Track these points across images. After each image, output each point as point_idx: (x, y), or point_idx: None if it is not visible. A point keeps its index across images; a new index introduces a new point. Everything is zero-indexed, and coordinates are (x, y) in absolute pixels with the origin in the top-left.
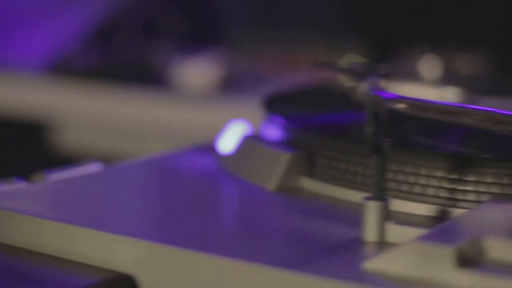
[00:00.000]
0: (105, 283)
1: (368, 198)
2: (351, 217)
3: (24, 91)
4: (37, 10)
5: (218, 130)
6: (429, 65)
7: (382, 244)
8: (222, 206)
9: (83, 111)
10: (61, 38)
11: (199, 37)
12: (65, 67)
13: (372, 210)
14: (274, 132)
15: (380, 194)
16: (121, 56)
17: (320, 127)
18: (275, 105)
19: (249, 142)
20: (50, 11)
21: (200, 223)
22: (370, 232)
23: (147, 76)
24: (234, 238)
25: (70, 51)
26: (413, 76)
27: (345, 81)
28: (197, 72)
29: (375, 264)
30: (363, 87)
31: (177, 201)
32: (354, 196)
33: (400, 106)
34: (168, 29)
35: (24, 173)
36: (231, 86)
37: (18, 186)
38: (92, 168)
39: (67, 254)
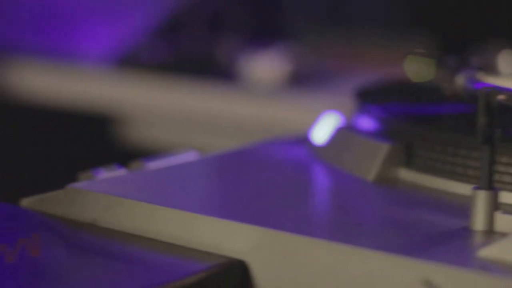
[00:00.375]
0: (218, 268)
1: (477, 188)
2: (455, 207)
3: (92, 84)
4: (106, 3)
5: (286, 124)
6: (507, 60)
7: (491, 234)
8: (325, 194)
9: (150, 105)
10: (130, 32)
11: (265, 32)
12: (133, 61)
13: (481, 200)
14: (369, 123)
15: (490, 184)
16: (188, 50)
17: (416, 118)
18: (367, 96)
19: (344, 133)
20: (119, 5)
21: (306, 209)
22: (478, 221)
23: (214, 70)
24: (343, 224)
25: (138, 45)
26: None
27: (418, 75)
28: (265, 66)
29: (490, 251)
30: (459, 80)
31: (280, 188)
32: (456, 187)
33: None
34: (234, 24)
35: (91, 167)
36: (298, 81)
37: (119, 173)
38: (188, 156)
39: (180, 240)
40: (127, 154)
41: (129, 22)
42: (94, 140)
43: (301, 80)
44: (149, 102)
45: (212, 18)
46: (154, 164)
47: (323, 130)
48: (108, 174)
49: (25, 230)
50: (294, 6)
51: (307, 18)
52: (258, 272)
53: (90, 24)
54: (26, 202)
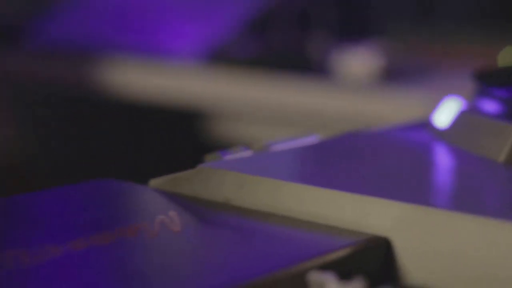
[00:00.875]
0: (362, 244)
1: None
2: None
3: (183, 80)
4: (198, 0)
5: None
6: None
7: None
8: (458, 173)
9: (240, 100)
10: (220, 28)
11: (355, 29)
12: (224, 56)
13: None
14: (493, 105)
15: None
16: (278, 46)
17: None
18: (489, 79)
19: (468, 116)
20: (210, 2)
21: (444, 186)
22: None
23: (305, 66)
24: (484, 199)
25: (229, 41)
26: None
27: None
28: (358, 62)
29: None
30: None
31: (411, 167)
32: None
33: None
34: (324, 20)
35: (182, 159)
36: (390, 76)
37: (246, 154)
38: (311, 140)
39: (320, 217)
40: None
41: (220, 19)
42: (184, 134)
43: (392, 75)
44: (239, 97)
45: (301, 14)
46: (279, 146)
47: (445, 114)
48: (235, 155)
49: (160, 209)
50: (384, 3)
51: (397, 14)
52: (401, 248)
53: (182, 22)
54: (155, 183)
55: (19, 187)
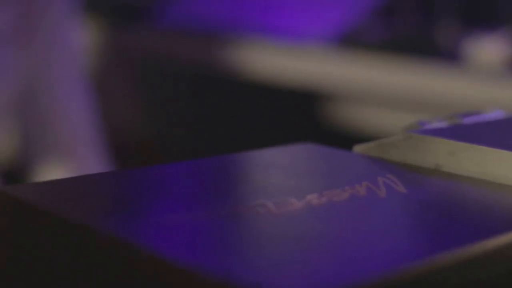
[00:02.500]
0: None
1: None
2: None
3: (312, 62)
4: None
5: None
6: None
7: None
8: None
9: (368, 83)
10: (350, 13)
11: (482, 16)
12: (353, 40)
13: None
14: None
15: None
16: (406, 31)
17: None
18: None
19: None
20: None
21: None
22: None
23: (433, 51)
24: None
25: (359, 25)
26: None
27: None
28: (489, 49)
29: None
30: None
31: None
32: None
33: None
34: (451, 6)
35: (306, 139)
36: None
37: (442, 124)
38: (497, 115)
39: None
40: (341, 130)
41: (350, 4)
42: (308, 114)
43: None
44: (367, 81)
45: (429, 0)
46: (471, 119)
47: None
48: (434, 124)
49: (377, 172)
50: None
51: None
52: None
53: (314, 6)
54: (359, 148)
55: (153, 161)
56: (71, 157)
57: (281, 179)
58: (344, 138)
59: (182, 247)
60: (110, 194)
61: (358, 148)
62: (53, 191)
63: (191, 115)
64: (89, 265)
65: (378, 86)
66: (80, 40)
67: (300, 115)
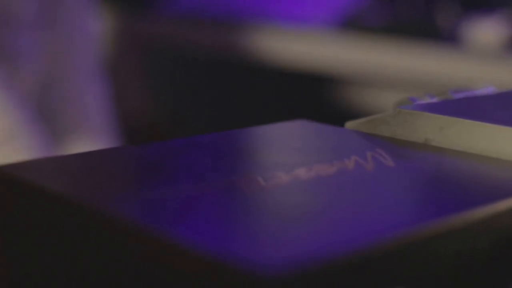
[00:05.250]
0: None
1: None
2: None
3: (315, 45)
4: None
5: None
6: None
7: None
8: None
9: (371, 66)
10: None
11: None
12: (355, 23)
13: None
14: None
15: None
16: (408, 14)
17: None
18: None
19: None
20: None
21: None
22: None
23: (433, 34)
24: None
25: (360, 8)
26: None
27: None
28: (487, 31)
29: None
30: None
31: None
32: None
33: None
34: None
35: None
36: None
37: (432, 100)
38: (488, 90)
39: None
40: (344, 112)
41: None
42: (311, 97)
43: None
44: (369, 63)
45: None
46: (461, 95)
47: None
48: (423, 101)
49: (366, 146)
50: None
51: None
52: None
53: None
54: (350, 125)
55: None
56: (86, 141)
57: (273, 154)
58: (346, 118)
59: (168, 220)
60: (105, 171)
61: (349, 125)
62: (49, 169)
63: (201, 100)
64: (86, 243)
65: (380, 68)
66: (96, 27)
67: (304, 95)
